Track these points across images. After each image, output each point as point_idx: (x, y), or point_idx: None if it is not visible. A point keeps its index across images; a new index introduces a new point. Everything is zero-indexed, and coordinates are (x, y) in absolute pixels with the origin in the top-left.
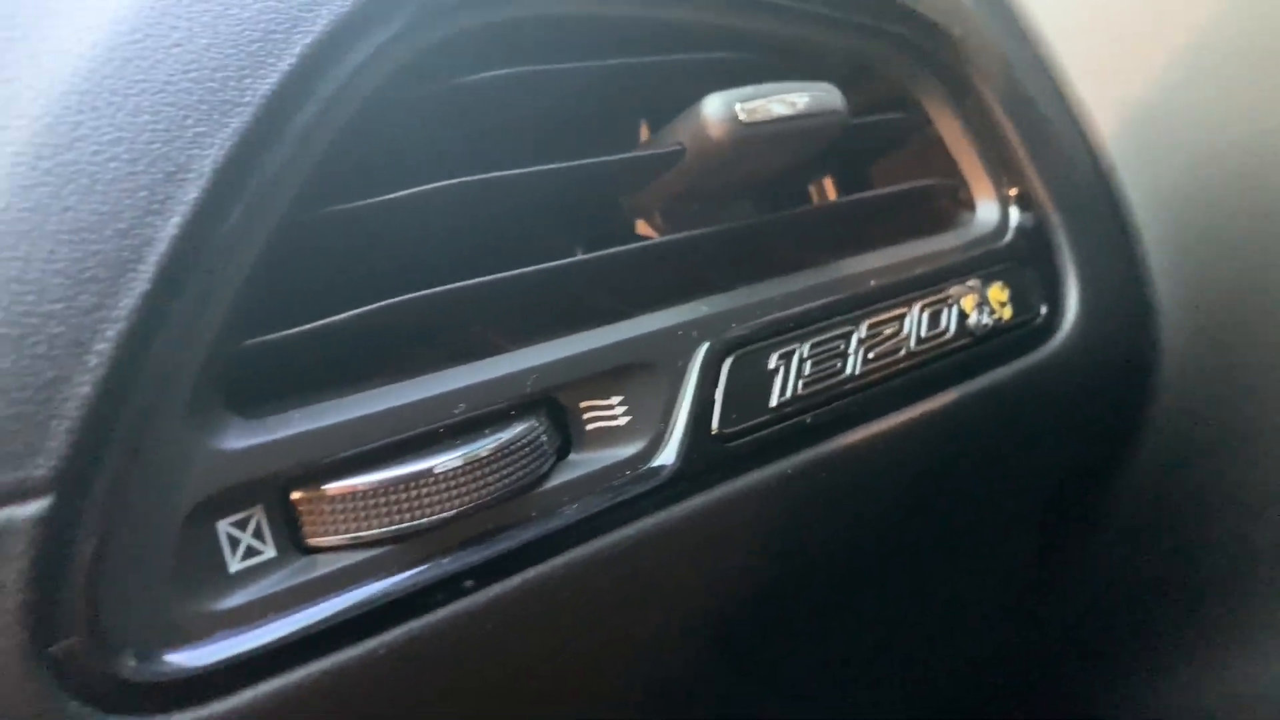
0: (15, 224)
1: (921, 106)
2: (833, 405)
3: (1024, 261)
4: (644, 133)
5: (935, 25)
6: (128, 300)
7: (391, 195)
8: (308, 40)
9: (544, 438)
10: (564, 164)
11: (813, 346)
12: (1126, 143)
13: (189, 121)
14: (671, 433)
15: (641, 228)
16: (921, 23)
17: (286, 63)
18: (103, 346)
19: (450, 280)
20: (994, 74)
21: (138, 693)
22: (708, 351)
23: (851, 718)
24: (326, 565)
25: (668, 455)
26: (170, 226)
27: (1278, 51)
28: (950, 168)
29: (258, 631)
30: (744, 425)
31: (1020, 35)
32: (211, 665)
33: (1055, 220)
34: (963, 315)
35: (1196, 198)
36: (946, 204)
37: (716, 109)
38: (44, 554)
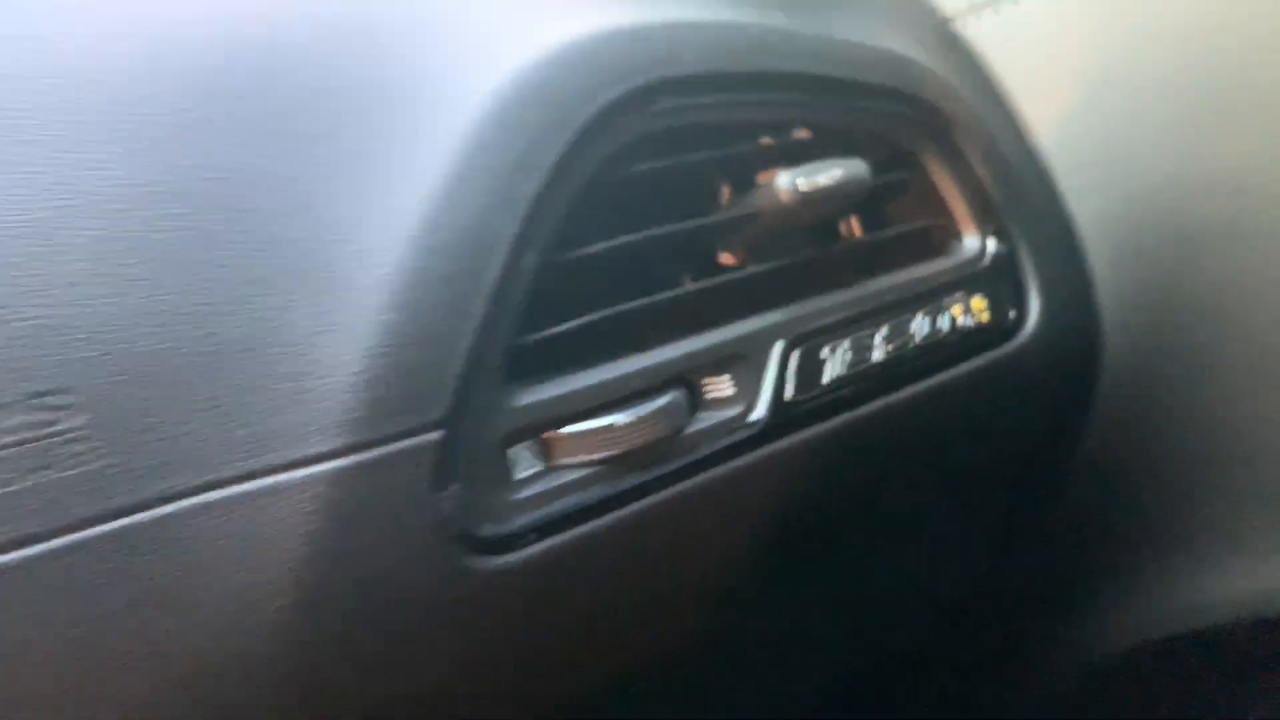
0: (419, 275)
1: (922, 165)
2: (864, 382)
3: (998, 278)
4: (725, 192)
5: (934, 106)
6: (475, 317)
7: (604, 244)
8: (555, 153)
9: (683, 402)
10: (696, 221)
11: (851, 342)
12: (1077, 185)
13: (499, 210)
14: (760, 399)
15: (725, 258)
16: (924, 105)
17: (543, 172)
18: (463, 343)
19: (611, 297)
20: (976, 140)
21: (485, 543)
22: (782, 346)
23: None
24: (565, 476)
25: (759, 414)
26: (495, 269)
27: (1200, 107)
28: (944, 209)
29: (534, 514)
30: (807, 395)
31: (997, 105)
32: (516, 530)
33: (1021, 247)
34: (953, 319)
35: (1130, 227)
36: (941, 237)
37: (786, 183)
38: (440, 462)
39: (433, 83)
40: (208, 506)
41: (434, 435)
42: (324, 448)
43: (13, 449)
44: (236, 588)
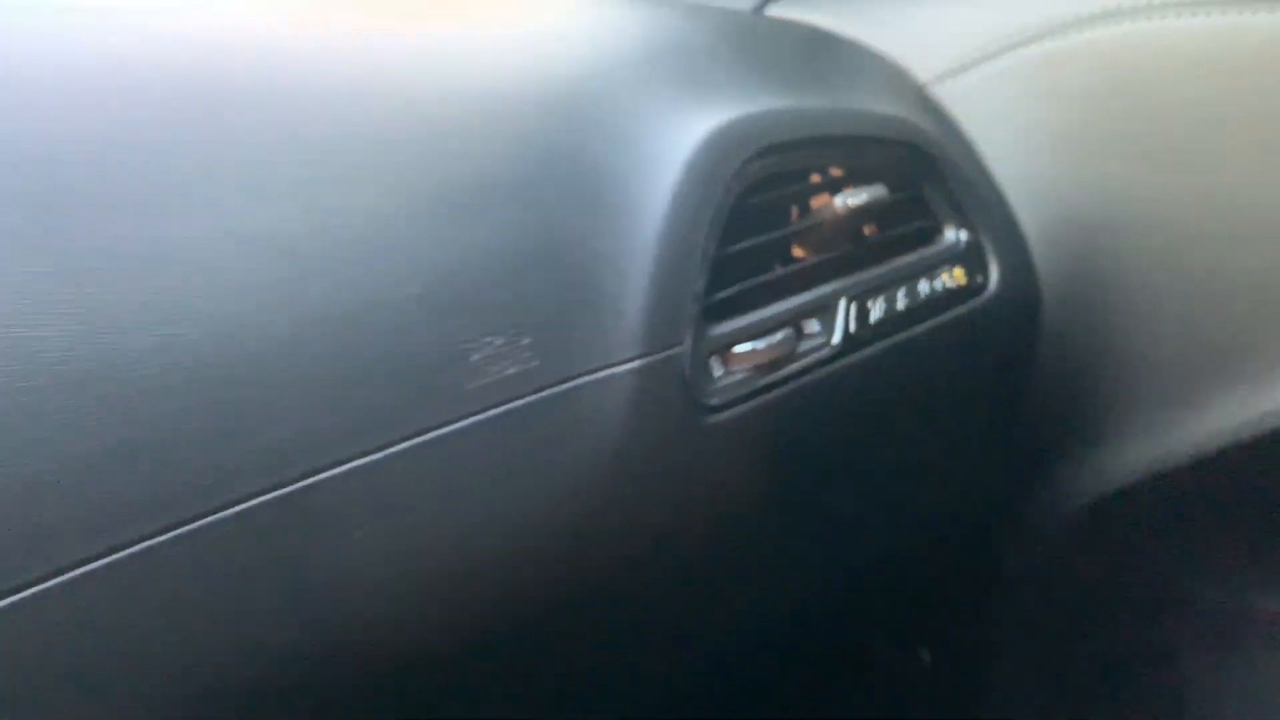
0: (665, 265)
1: (917, 186)
2: (894, 322)
3: (970, 257)
4: (794, 211)
5: (922, 149)
6: (692, 287)
7: (740, 244)
8: (718, 195)
9: (793, 335)
10: (788, 228)
11: (884, 298)
12: (1016, 195)
13: (696, 227)
14: (835, 332)
15: (796, 251)
16: (915, 148)
17: (713, 207)
18: (688, 300)
19: (745, 274)
20: (950, 169)
21: (709, 409)
22: (845, 301)
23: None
24: (736, 376)
25: (835, 340)
26: (697, 259)
27: (1101, 143)
28: (931, 214)
29: (725, 395)
30: (861, 330)
31: (961, 144)
32: (720, 403)
33: (984, 236)
34: (944, 283)
35: (1054, 220)
36: (931, 231)
37: (840, 203)
38: (684, 363)
39: (648, 162)
40: (580, 388)
41: (681, 348)
42: (636, 352)
43: (503, 357)
44: (580, 444)
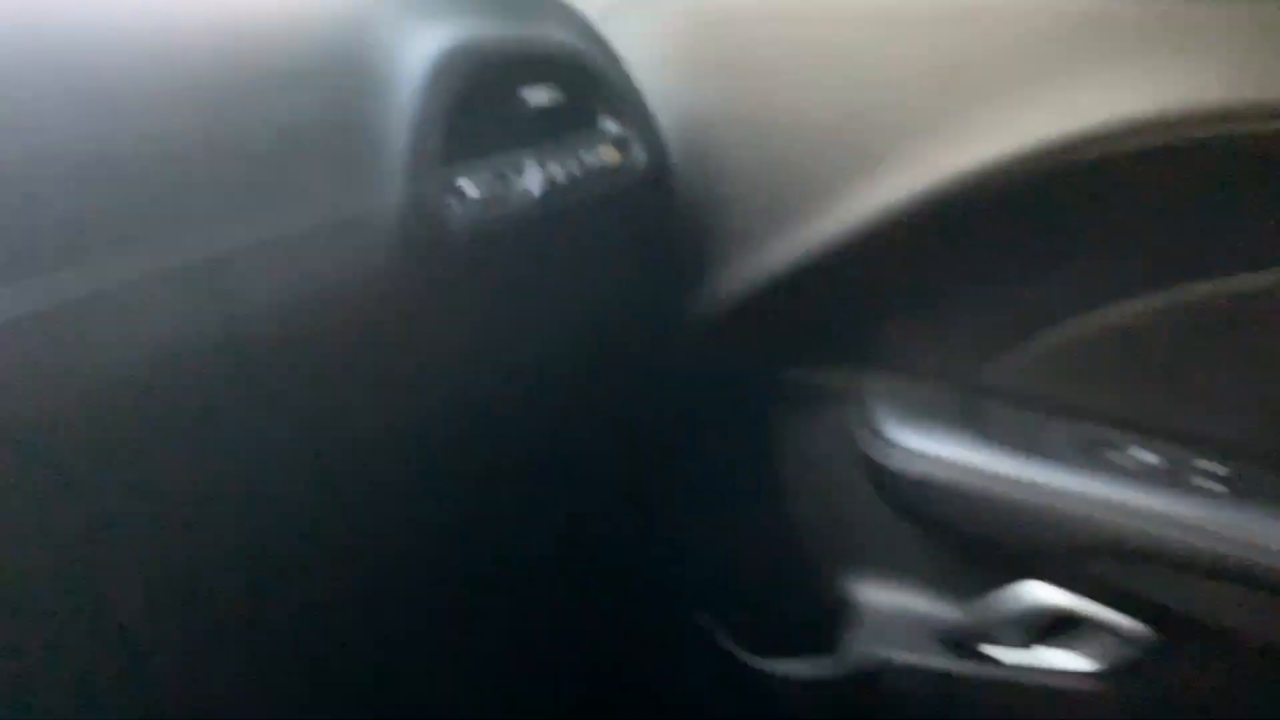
0: (421, 129)
1: (588, 93)
2: (577, 181)
3: (620, 141)
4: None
5: (589, 68)
6: (439, 143)
7: (467, 121)
8: (453, 89)
9: (505, 185)
10: (493, 115)
11: (576, 159)
12: (654, 98)
13: (440, 106)
14: (531, 185)
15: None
16: (586, 68)
17: (452, 94)
18: (437, 154)
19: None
20: (607, 79)
21: (452, 232)
22: (534, 163)
23: None
24: (469, 210)
25: (538, 191)
26: (442, 127)
27: (713, 58)
28: (594, 109)
29: (461, 221)
30: (549, 186)
31: (616, 64)
32: (460, 228)
33: (630, 128)
34: (602, 159)
35: (681, 118)
36: (594, 121)
37: (530, 98)
38: (433, 201)
39: (403, 65)
40: (370, 211)
41: (431, 186)
42: (403, 188)
43: (317, 186)
44: (372, 247)
